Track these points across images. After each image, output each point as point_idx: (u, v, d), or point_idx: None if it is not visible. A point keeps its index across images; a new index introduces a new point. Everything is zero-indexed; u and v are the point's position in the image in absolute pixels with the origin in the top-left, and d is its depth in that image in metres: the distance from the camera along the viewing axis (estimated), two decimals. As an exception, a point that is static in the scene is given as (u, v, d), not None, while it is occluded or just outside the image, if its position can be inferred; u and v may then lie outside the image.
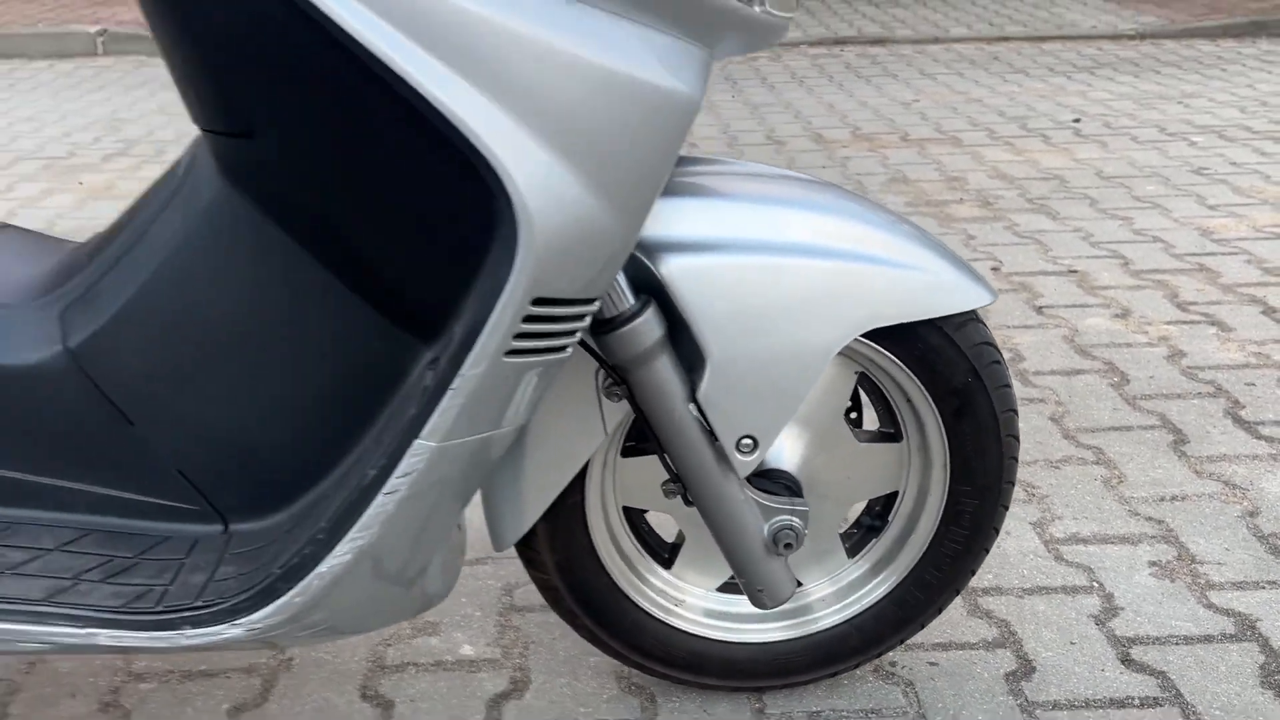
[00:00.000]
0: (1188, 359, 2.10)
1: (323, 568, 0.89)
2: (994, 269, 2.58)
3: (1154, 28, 5.84)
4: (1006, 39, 5.72)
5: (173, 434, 0.97)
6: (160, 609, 0.91)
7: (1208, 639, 1.36)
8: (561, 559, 1.16)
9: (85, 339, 0.95)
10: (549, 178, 0.81)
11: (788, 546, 1.10)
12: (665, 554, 1.25)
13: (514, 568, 1.43)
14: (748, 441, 1.05)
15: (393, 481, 0.87)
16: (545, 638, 1.38)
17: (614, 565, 1.19)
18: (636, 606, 1.20)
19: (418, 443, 0.86)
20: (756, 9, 0.91)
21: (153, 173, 3.01)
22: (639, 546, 1.23)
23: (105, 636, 0.90)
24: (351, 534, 0.88)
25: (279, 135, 0.85)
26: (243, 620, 0.90)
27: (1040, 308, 2.36)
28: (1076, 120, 3.99)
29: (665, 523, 1.25)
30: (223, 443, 0.98)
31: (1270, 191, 3.14)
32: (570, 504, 1.13)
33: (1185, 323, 2.26)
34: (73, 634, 0.90)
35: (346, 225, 0.89)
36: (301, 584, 0.90)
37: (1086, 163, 3.46)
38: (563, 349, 0.92)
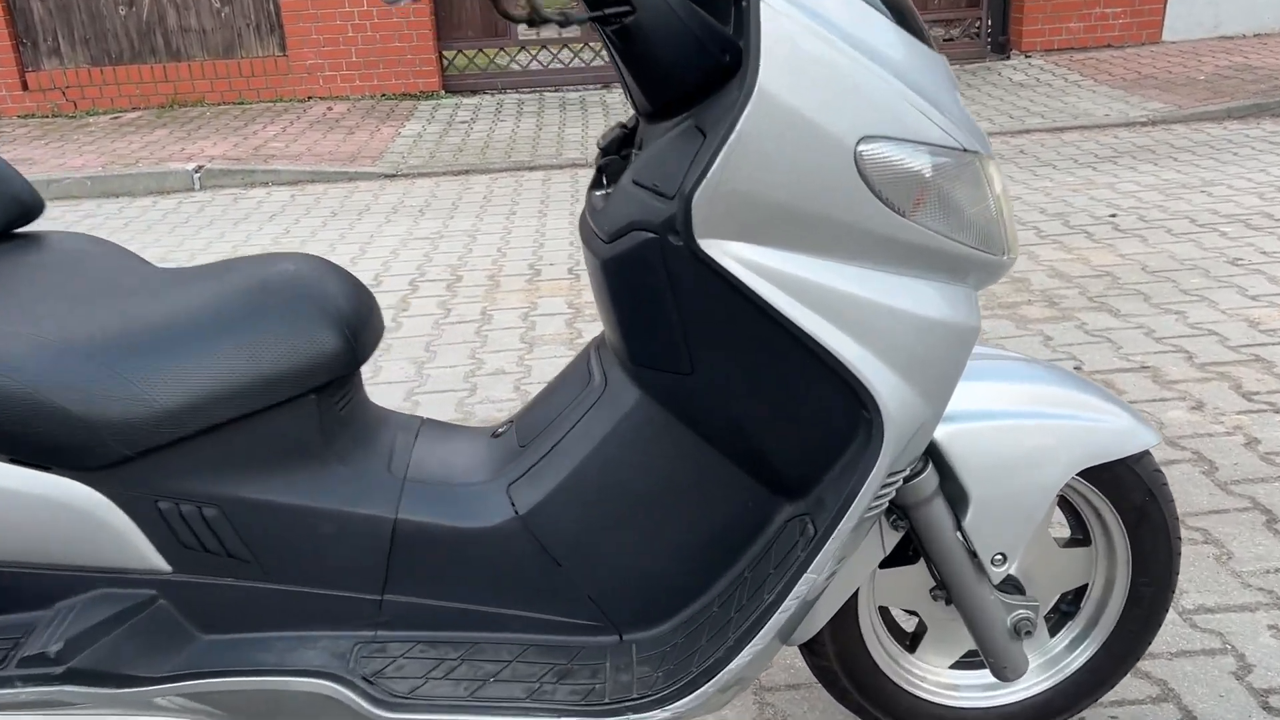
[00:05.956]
0: (1263, 445, 2.47)
1: (732, 666, 1.25)
2: (1076, 369, 2.96)
3: (1163, 114, 6.30)
4: (1029, 131, 6.19)
5: (589, 571, 1.33)
6: (608, 702, 1.27)
7: (1328, 687, 1.71)
8: (840, 648, 1.52)
9: (532, 508, 1.32)
10: (899, 393, 1.19)
11: (1027, 634, 1.45)
12: (907, 641, 1.61)
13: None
14: (999, 557, 1.41)
15: (787, 603, 1.23)
16: (796, 711, 1.73)
17: (877, 651, 1.54)
18: (892, 682, 1.56)
19: (806, 576, 1.23)
20: (1005, 258, 1.29)
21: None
22: (890, 635, 1.59)
23: (577, 724, 1.26)
24: (754, 641, 1.24)
25: (711, 372, 1.23)
26: (670, 706, 1.26)
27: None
28: (1113, 215, 4.41)
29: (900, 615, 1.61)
30: (625, 576, 1.34)
31: (1302, 279, 3.54)
32: (847, 606, 1.50)
33: (1254, 412, 2.64)
34: (556, 724, 1.26)
35: (748, 427, 1.26)
36: (716, 678, 1.25)
37: (1132, 258, 3.87)
38: (886, 501, 1.29)
